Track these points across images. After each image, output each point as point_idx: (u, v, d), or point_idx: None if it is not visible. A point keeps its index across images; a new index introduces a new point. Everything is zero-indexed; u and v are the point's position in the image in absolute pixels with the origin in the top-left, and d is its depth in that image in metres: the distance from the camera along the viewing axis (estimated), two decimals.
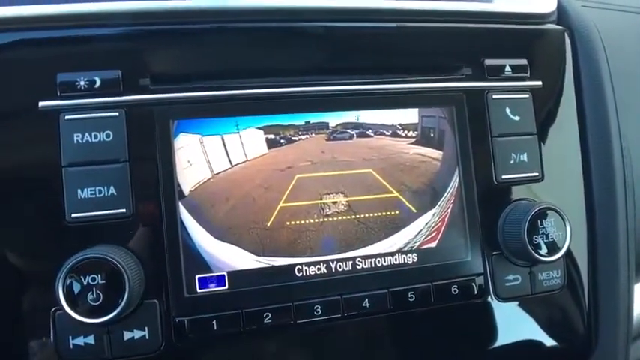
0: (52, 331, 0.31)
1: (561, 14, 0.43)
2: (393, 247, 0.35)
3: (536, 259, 0.36)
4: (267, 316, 0.33)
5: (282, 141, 0.34)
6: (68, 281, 0.29)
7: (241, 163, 0.34)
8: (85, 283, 0.29)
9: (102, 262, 0.29)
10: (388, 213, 0.35)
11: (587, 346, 0.40)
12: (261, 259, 0.33)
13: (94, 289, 0.29)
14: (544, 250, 0.36)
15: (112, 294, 0.29)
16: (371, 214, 0.35)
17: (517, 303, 0.38)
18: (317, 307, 0.34)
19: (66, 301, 0.29)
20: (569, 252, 0.38)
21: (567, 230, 0.36)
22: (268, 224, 0.33)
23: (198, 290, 0.32)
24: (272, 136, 0.34)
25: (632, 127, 0.46)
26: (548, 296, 0.39)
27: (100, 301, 0.29)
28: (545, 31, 0.41)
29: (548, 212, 0.36)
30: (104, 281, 0.29)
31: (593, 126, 0.41)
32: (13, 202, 0.31)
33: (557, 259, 0.37)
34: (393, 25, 0.37)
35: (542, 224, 0.36)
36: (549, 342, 0.39)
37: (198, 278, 0.32)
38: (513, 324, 0.38)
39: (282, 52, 0.35)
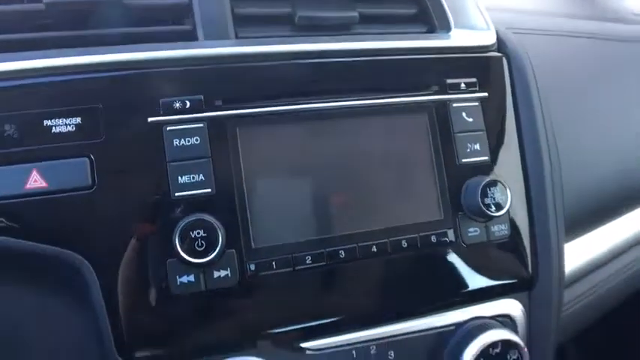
0: (166, 274, 0.46)
1: (500, 44, 0.60)
2: (392, 213, 0.51)
3: (488, 215, 0.52)
4: (308, 259, 0.49)
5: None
6: (183, 235, 0.44)
7: (285, 154, 0.50)
8: (192, 236, 0.44)
9: (204, 222, 0.44)
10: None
11: (529, 281, 0.56)
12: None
13: (199, 240, 0.44)
14: (493, 209, 0.52)
15: (209, 244, 0.44)
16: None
17: (477, 248, 0.54)
18: (341, 252, 0.49)
19: (181, 249, 0.44)
20: (511, 211, 0.54)
21: (508, 195, 0.52)
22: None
23: (262, 244, 0.48)
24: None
25: (559, 122, 0.63)
26: (499, 243, 0.54)
27: (203, 248, 0.44)
28: (488, 57, 0.58)
29: (494, 183, 0.52)
30: (205, 235, 0.44)
31: (526, 123, 0.57)
32: (136, 187, 0.46)
33: (502, 215, 0.53)
34: (383, 58, 0.53)
35: (490, 191, 0.52)
36: (502, 277, 0.55)
37: (262, 234, 0.48)
38: (475, 264, 0.54)
39: (311, 81, 0.51)
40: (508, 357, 0.51)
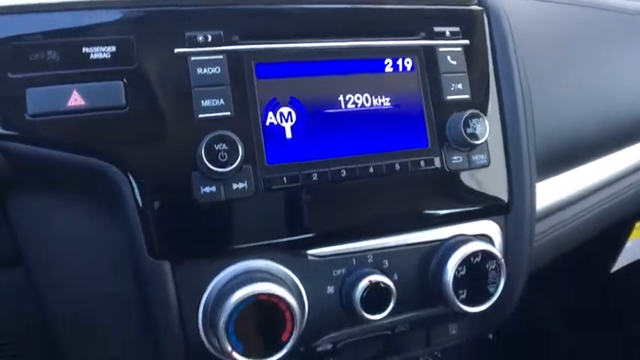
0: (191, 185, 0.52)
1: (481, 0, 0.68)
2: (387, 141, 0.58)
3: (469, 143, 0.59)
4: (315, 176, 0.55)
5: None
6: (208, 148, 0.50)
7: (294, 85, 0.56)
8: (216, 149, 0.51)
9: (226, 136, 0.51)
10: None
11: (506, 206, 0.64)
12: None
13: (222, 152, 0.51)
14: (474, 138, 0.59)
15: (230, 156, 0.51)
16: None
17: (460, 174, 0.61)
18: (342, 172, 0.56)
19: (207, 159, 0.50)
20: (489, 143, 0.62)
21: (487, 126, 0.60)
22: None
23: (274, 162, 0.54)
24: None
25: (535, 74, 0.71)
26: (479, 170, 0.62)
27: (225, 159, 0.51)
28: (471, 10, 0.65)
29: (475, 115, 0.59)
30: (227, 148, 0.51)
31: (503, 69, 0.65)
32: (164, 108, 0.52)
33: (482, 145, 0.61)
34: (382, 7, 0.60)
35: (472, 122, 0.59)
36: (481, 201, 0.62)
37: (274, 152, 0.54)
38: (458, 188, 0.61)
39: (315, 23, 0.58)
40: (487, 266, 0.59)
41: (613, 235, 0.97)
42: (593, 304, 1.31)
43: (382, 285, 0.55)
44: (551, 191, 0.75)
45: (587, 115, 0.79)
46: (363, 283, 0.55)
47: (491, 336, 1.38)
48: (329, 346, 0.59)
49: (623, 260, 1.00)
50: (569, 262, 1.19)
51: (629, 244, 0.97)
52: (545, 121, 0.72)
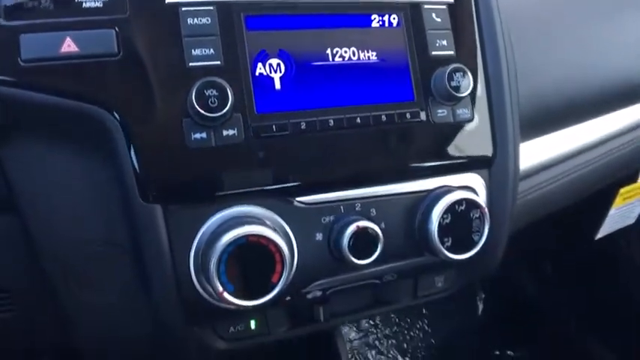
0: (181, 130, 0.53)
1: None
2: (374, 93, 0.60)
3: (453, 96, 0.61)
4: (303, 125, 0.57)
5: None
6: (199, 93, 0.51)
7: (283, 37, 0.58)
8: (207, 94, 0.52)
9: (216, 83, 0.52)
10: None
11: (489, 159, 0.66)
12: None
13: (212, 97, 0.52)
14: (458, 91, 0.61)
15: (220, 101, 0.52)
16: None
17: (445, 128, 0.62)
18: (330, 121, 0.58)
19: (197, 104, 0.51)
20: (472, 98, 0.64)
21: (470, 79, 0.61)
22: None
23: (263, 110, 0.56)
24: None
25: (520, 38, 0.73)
26: (464, 124, 0.64)
27: (215, 104, 0.52)
28: None
29: (459, 69, 0.61)
30: (217, 94, 0.52)
31: (486, 25, 0.67)
32: (156, 56, 0.53)
33: (465, 99, 0.62)
34: None
35: (456, 76, 0.61)
36: (465, 153, 0.64)
37: (263, 102, 0.56)
38: (443, 141, 0.62)
39: None
40: (471, 215, 0.61)
41: (597, 202, 0.99)
42: (578, 273, 1.35)
43: (369, 230, 0.57)
44: (532, 152, 0.77)
45: (570, 79, 0.81)
46: (351, 228, 0.56)
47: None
48: (318, 294, 0.61)
49: (607, 228, 1.03)
50: (554, 229, 1.22)
51: (612, 211, 1.00)
52: (528, 83, 0.74)
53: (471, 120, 0.64)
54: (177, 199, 0.54)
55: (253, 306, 0.53)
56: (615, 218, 1.03)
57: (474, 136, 0.65)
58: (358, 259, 0.57)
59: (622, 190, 0.97)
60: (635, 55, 0.89)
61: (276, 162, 0.56)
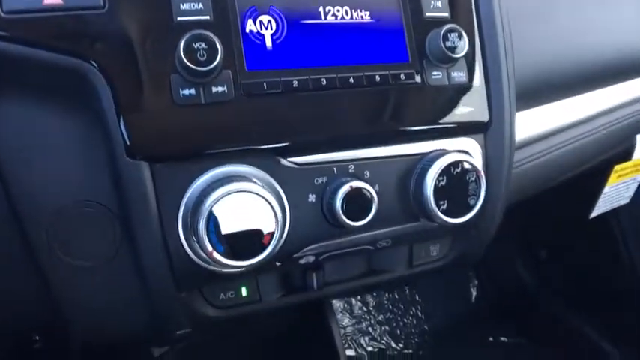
0: (169, 87, 0.51)
1: None
2: (368, 53, 0.59)
3: (448, 57, 0.60)
4: (295, 83, 0.55)
5: None
6: (187, 46, 0.50)
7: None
8: (195, 47, 0.50)
9: (204, 35, 0.50)
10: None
11: (485, 124, 0.65)
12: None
13: (200, 51, 0.50)
14: (452, 51, 0.60)
15: (209, 55, 0.50)
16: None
17: (440, 90, 0.61)
18: (323, 80, 0.56)
19: (185, 57, 0.49)
20: (467, 61, 0.63)
21: (465, 40, 0.60)
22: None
23: (254, 67, 0.54)
24: None
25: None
26: (459, 88, 0.62)
27: (204, 58, 0.50)
28: None
29: (454, 29, 0.59)
30: (206, 47, 0.50)
31: None
32: (142, 10, 0.51)
33: (460, 61, 0.61)
34: None
35: (450, 37, 0.60)
36: (461, 117, 0.63)
37: (254, 59, 0.54)
38: (438, 103, 0.61)
39: None
40: (467, 178, 0.60)
41: (592, 180, 0.98)
42: (573, 258, 1.34)
43: (364, 191, 0.56)
44: (528, 122, 0.76)
45: (566, 51, 0.80)
46: (345, 189, 0.55)
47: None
48: (311, 259, 0.59)
49: (601, 206, 1.02)
50: (548, 210, 1.21)
51: (606, 189, 0.99)
52: (524, 54, 0.73)
53: (466, 83, 0.63)
54: (164, 157, 0.52)
55: (244, 267, 0.51)
56: (610, 197, 1.02)
57: (470, 100, 0.64)
58: (352, 221, 0.56)
59: (616, 167, 0.96)
60: (633, 30, 0.89)
61: (267, 121, 0.55)
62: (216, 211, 0.50)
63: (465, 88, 0.63)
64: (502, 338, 1.42)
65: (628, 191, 1.07)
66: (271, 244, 0.52)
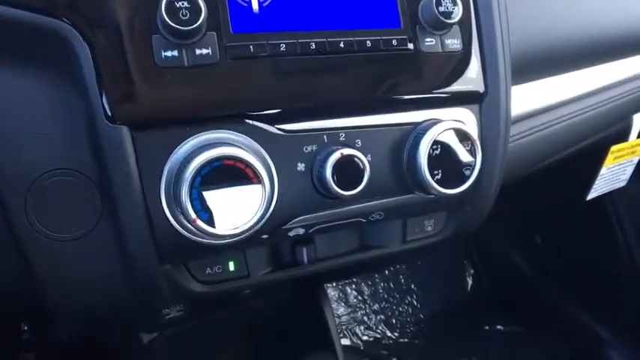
0: (152, 51, 0.49)
1: None
2: (359, 18, 0.57)
3: (441, 22, 0.58)
4: (282, 47, 0.53)
5: None
6: (170, 4, 0.47)
7: None
8: (177, 6, 0.48)
9: None
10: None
11: (480, 95, 0.62)
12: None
13: (183, 10, 0.48)
14: (446, 16, 0.58)
15: (192, 14, 0.48)
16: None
17: (433, 58, 0.59)
18: (312, 45, 0.54)
19: (167, 15, 0.47)
20: (462, 28, 0.61)
21: (459, 6, 0.58)
22: None
23: (240, 30, 0.52)
24: None
25: None
26: (453, 56, 0.61)
27: (187, 17, 0.48)
28: None
29: None
30: (189, 5, 0.48)
31: None
32: None
33: (454, 29, 0.59)
34: None
35: (444, 2, 0.58)
36: (455, 86, 0.61)
37: (240, 21, 0.52)
38: (432, 71, 0.59)
39: None
40: (462, 145, 0.58)
41: (588, 162, 0.97)
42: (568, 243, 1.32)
43: (355, 159, 0.54)
44: (525, 97, 0.74)
45: (564, 26, 0.79)
46: (335, 155, 0.53)
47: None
48: (301, 231, 0.57)
49: (598, 188, 1.00)
50: (544, 192, 1.20)
51: (603, 170, 0.97)
52: (522, 27, 0.71)
53: (460, 51, 0.61)
54: (146, 123, 0.50)
55: (228, 236, 0.49)
56: (606, 179, 1.00)
57: (464, 69, 0.62)
58: (343, 190, 0.54)
59: (613, 148, 0.94)
60: (632, 7, 0.87)
61: (253, 86, 0.52)
62: (200, 177, 0.47)
63: (459, 56, 0.61)
64: (498, 327, 1.40)
65: (625, 174, 1.05)
66: (258, 212, 0.49)
